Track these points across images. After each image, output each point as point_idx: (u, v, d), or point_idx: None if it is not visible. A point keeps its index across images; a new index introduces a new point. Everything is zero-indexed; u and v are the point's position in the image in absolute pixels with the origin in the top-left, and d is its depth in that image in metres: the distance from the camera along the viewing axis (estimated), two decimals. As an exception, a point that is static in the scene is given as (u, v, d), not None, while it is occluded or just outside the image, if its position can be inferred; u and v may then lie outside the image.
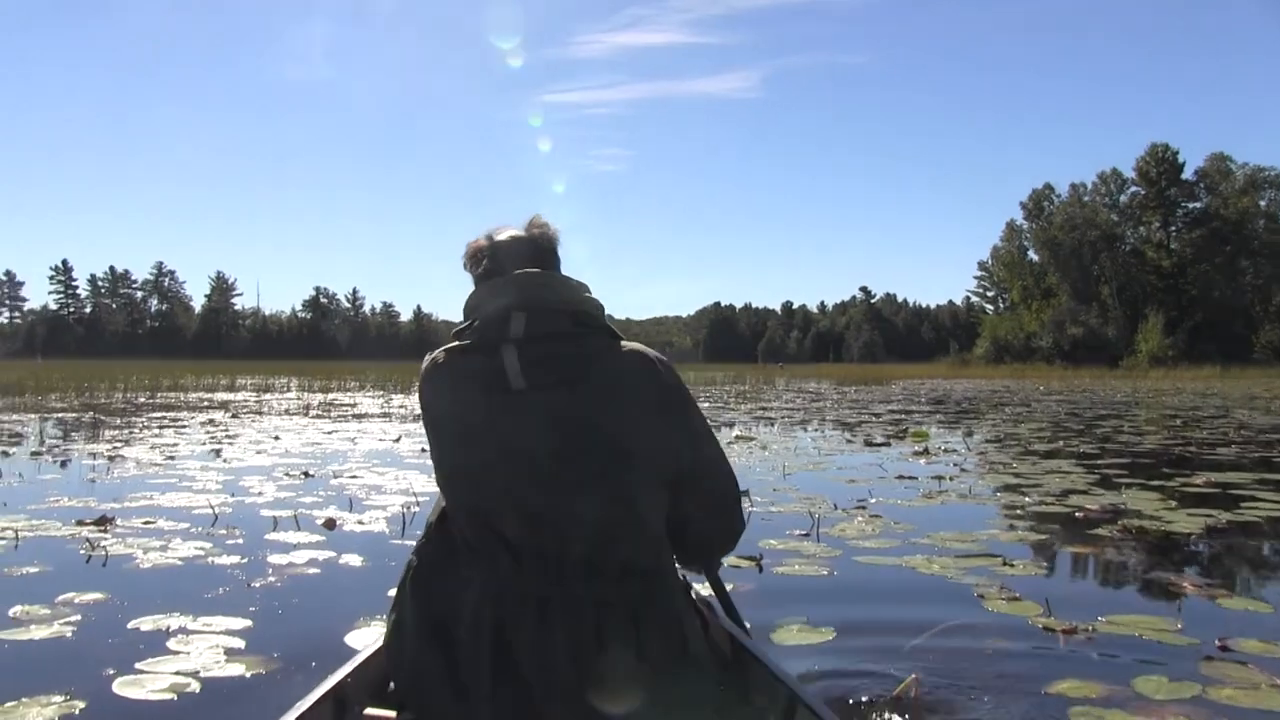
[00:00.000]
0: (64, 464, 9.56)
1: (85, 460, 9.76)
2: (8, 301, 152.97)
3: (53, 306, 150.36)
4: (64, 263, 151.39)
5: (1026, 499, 7.29)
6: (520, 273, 2.08)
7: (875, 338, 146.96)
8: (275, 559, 5.00)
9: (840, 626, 3.83)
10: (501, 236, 2.20)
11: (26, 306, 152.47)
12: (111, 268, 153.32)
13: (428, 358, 2.13)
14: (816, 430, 14.89)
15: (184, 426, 14.38)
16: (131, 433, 13.24)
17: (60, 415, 17.23)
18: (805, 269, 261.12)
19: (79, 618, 3.88)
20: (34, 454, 10.33)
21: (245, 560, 4.98)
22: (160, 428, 14.06)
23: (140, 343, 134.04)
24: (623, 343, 2.08)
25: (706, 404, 23.10)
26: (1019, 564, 5.02)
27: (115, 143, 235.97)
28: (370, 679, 2.31)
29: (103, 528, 5.85)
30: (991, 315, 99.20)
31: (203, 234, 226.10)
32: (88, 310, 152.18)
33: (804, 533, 5.79)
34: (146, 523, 6.01)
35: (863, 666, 3.40)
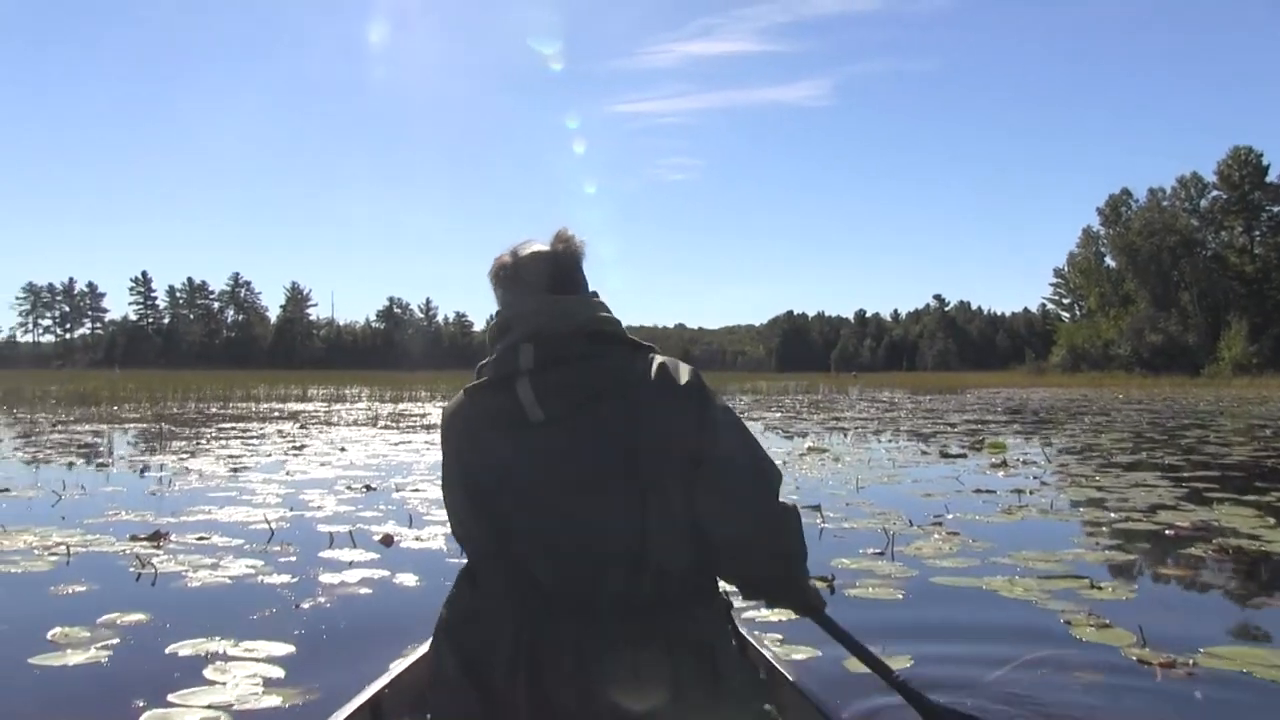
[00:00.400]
0: (128, 476, 9.56)
1: (150, 472, 9.76)
2: (90, 313, 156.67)
3: (132, 317, 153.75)
4: (143, 274, 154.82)
5: (1111, 515, 6.93)
6: (529, 302, 2.06)
7: (949, 346, 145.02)
8: (327, 578, 4.84)
9: (917, 655, 3.56)
10: (525, 252, 2.15)
11: (108, 317, 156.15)
12: (189, 279, 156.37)
13: (449, 403, 2.15)
14: (890, 441, 14.53)
15: (252, 438, 14.42)
16: (199, 444, 13.28)
17: (131, 426, 17.42)
18: (879, 276, 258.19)
19: (118, 641, 3.73)
20: (100, 466, 10.37)
21: (296, 579, 4.83)
22: (228, 439, 14.11)
23: (216, 353, 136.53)
24: (650, 355, 2.06)
25: (778, 414, 22.81)
26: (1107, 587, 4.70)
27: (193, 155, 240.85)
28: (409, 691, 2.28)
29: (156, 543, 5.75)
30: (1068, 323, 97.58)
31: (278, 245, 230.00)
32: (166, 321, 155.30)
33: (878, 551, 5.52)
34: (201, 538, 5.90)
35: (942, 700, 3.13)
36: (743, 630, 2.41)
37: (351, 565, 5.14)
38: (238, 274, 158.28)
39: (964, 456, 11.78)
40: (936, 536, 5.99)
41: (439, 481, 2.17)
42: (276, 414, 21.43)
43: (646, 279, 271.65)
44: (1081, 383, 60.24)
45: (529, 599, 1.95)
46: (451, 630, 2.05)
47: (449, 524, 2.22)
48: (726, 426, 2.03)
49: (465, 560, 2.17)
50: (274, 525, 6.33)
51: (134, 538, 5.87)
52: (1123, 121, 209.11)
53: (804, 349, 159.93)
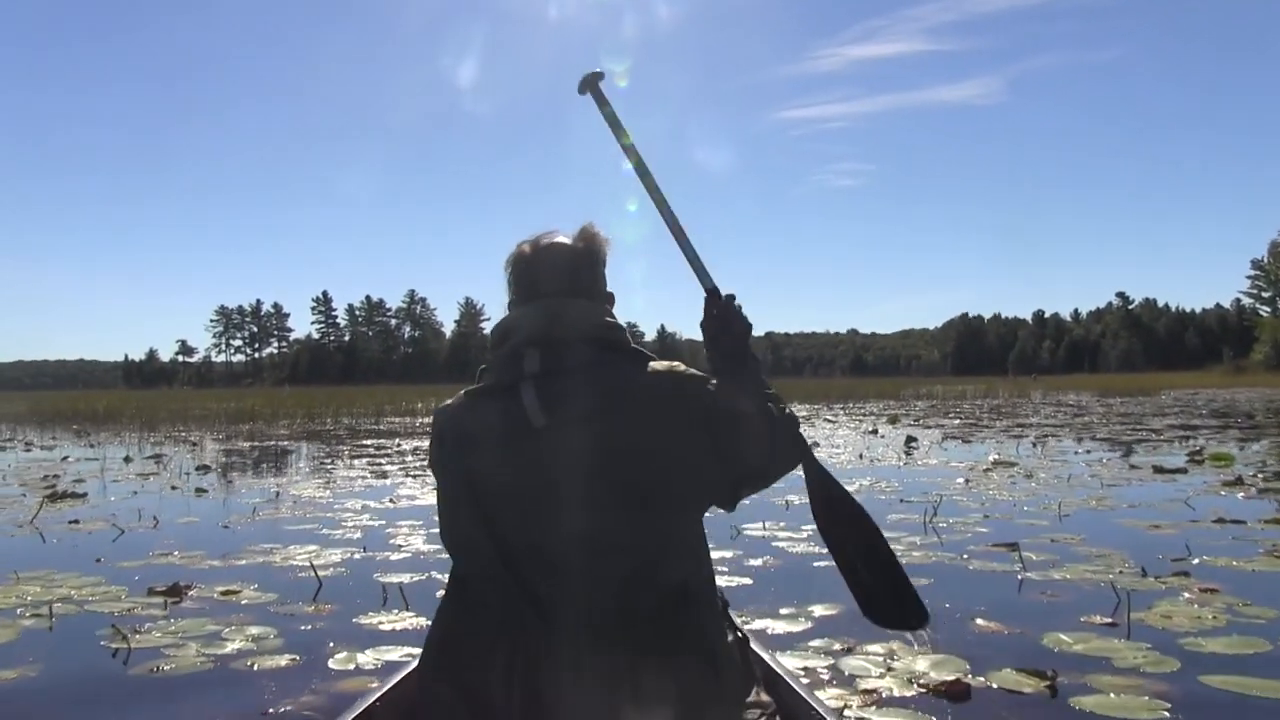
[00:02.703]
0: (213, 505, 8.61)
1: (245, 498, 8.82)
2: (276, 332, 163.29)
3: (315, 336, 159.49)
4: (324, 294, 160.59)
5: None
6: (537, 305, 1.99)
7: (1134, 345, 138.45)
8: (344, 663, 3.59)
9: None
10: (544, 245, 2.08)
11: (292, 336, 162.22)
12: (367, 296, 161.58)
13: (447, 404, 2.07)
14: (1087, 452, 12.57)
15: (383, 455, 13.48)
16: (324, 463, 12.45)
17: (273, 443, 16.86)
18: (1057, 276, 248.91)
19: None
20: (199, 491, 9.47)
21: (303, 661, 3.61)
22: (359, 457, 13.21)
23: (394, 368, 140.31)
24: (651, 364, 1.97)
25: (956, 420, 20.90)
26: None
27: (370, 175, 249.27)
28: (400, 705, 2.22)
29: (174, 597, 4.66)
30: (1270, 317, 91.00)
31: (452, 261, 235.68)
32: (346, 338, 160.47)
33: (1108, 620, 3.95)
34: (226, 593, 4.76)
35: None
36: (741, 629, 2.26)
37: (391, 638, 3.89)
38: (413, 291, 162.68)
39: (1183, 471, 9.81)
40: (1186, 595, 4.36)
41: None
42: (424, 430, 20.63)
43: (815, 285, 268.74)
44: (1290, 381, 55.36)
45: (526, 612, 1.83)
46: (444, 648, 1.94)
47: (441, 535, 2.06)
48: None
49: (451, 575, 2.05)
50: (332, 572, 5.22)
51: (151, 590, 4.78)
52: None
53: (980, 352, 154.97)
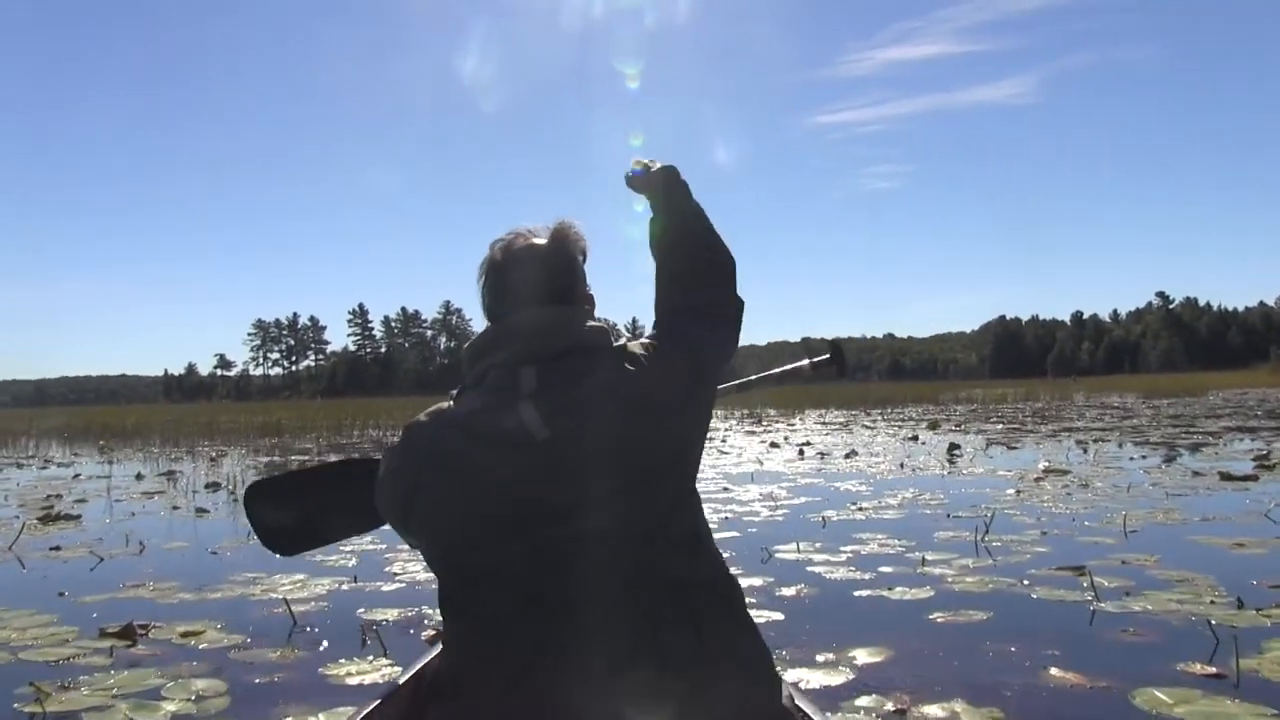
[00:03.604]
0: (205, 527, 8.09)
1: (241, 519, 8.23)
2: (313, 345, 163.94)
3: (351, 348, 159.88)
4: (360, 306, 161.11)
5: None
6: (521, 317, 1.87)
7: (1175, 345, 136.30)
8: (292, 726, 3.01)
9: None
10: (517, 248, 1.95)
11: (329, 349, 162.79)
12: (403, 308, 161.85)
13: (422, 422, 1.88)
14: (1143, 458, 11.83)
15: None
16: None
17: (294, 458, 16.37)
18: (1096, 276, 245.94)
19: None
20: (199, 512, 8.95)
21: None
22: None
23: (431, 379, 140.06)
24: (628, 348, 1.89)
25: (999, 425, 20.14)
26: None
27: (405, 187, 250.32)
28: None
29: (128, 641, 4.13)
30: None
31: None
32: (383, 350, 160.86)
33: (1210, 670, 3.30)
34: (187, 634, 4.21)
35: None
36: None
37: (349, 696, 3.30)
38: (448, 302, 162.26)
39: (1254, 479, 9.06)
40: (1297, 633, 3.71)
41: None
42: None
43: (852, 289, 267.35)
44: (1343, 380, 53.85)
45: (531, 621, 1.73)
46: (454, 681, 1.81)
47: (430, 558, 1.88)
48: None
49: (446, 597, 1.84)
50: (306, 609, 4.64)
51: (103, 632, 4.24)
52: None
53: (1018, 354, 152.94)
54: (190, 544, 7.01)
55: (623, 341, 1.93)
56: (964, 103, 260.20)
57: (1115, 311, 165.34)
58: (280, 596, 4.86)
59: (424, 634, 4.09)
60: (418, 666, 2.18)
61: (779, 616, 4.25)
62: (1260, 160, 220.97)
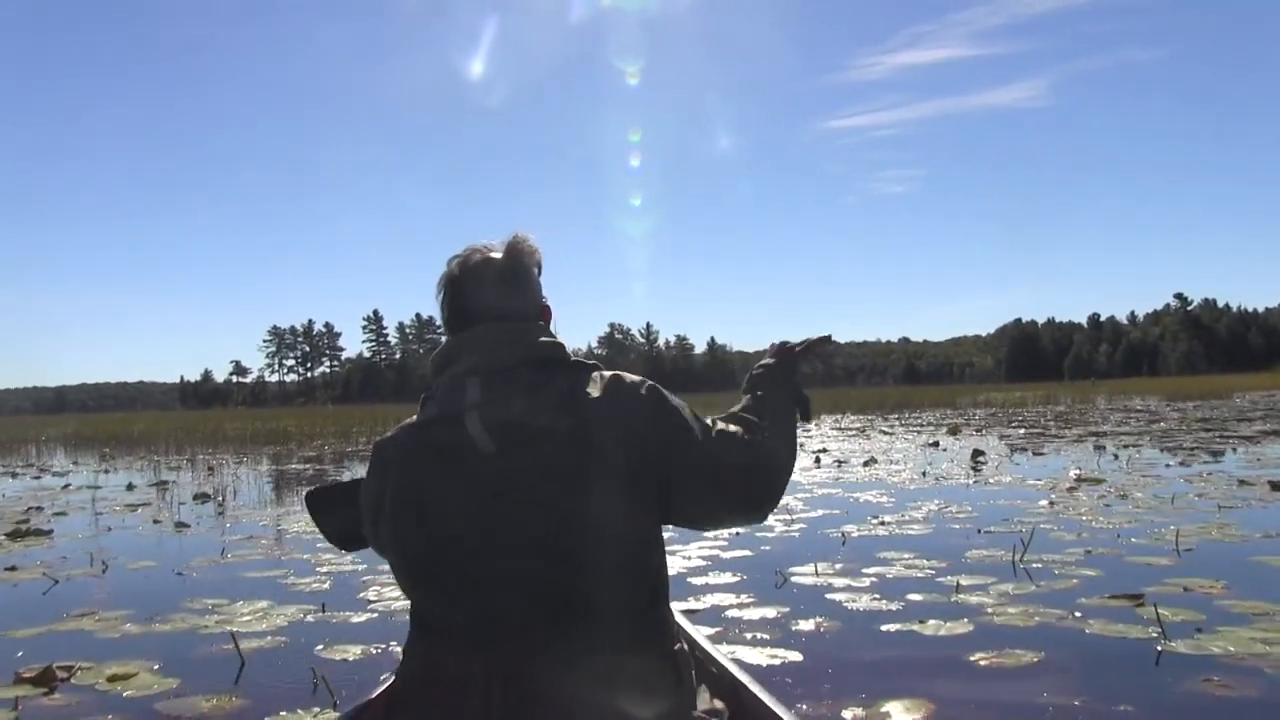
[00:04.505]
0: (180, 543, 7.59)
1: (223, 536, 7.77)
2: (328, 351, 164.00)
3: (366, 354, 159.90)
4: (375, 312, 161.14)
5: None
6: (474, 332, 1.91)
7: (1195, 347, 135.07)
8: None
9: None
10: (472, 263, 1.99)
11: (344, 355, 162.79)
12: (417, 314, 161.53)
13: (388, 436, 1.95)
14: (1181, 464, 11.18)
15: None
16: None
17: (293, 466, 15.91)
18: (1113, 278, 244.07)
19: None
20: (179, 526, 8.43)
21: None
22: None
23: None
24: (595, 374, 1.89)
25: (1021, 429, 19.50)
26: None
27: (415, 191, 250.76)
28: None
29: (44, 688, 3.64)
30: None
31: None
32: (398, 356, 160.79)
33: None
34: (115, 678, 3.69)
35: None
36: (698, 633, 2.27)
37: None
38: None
39: (1304, 487, 8.48)
40: None
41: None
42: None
43: (866, 293, 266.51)
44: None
45: (496, 638, 1.73)
46: (413, 690, 1.83)
47: (394, 570, 1.87)
48: (697, 429, 1.89)
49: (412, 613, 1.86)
50: (260, 645, 4.12)
51: (18, 678, 3.70)
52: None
53: (1034, 358, 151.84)
54: (158, 563, 6.49)
55: (594, 363, 1.91)
56: (976, 106, 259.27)
57: (1133, 313, 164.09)
58: (238, 628, 4.34)
59: (382, 677, 3.56)
60: (382, 687, 2.14)
61: (797, 657, 3.67)
62: (1275, 159, 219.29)
